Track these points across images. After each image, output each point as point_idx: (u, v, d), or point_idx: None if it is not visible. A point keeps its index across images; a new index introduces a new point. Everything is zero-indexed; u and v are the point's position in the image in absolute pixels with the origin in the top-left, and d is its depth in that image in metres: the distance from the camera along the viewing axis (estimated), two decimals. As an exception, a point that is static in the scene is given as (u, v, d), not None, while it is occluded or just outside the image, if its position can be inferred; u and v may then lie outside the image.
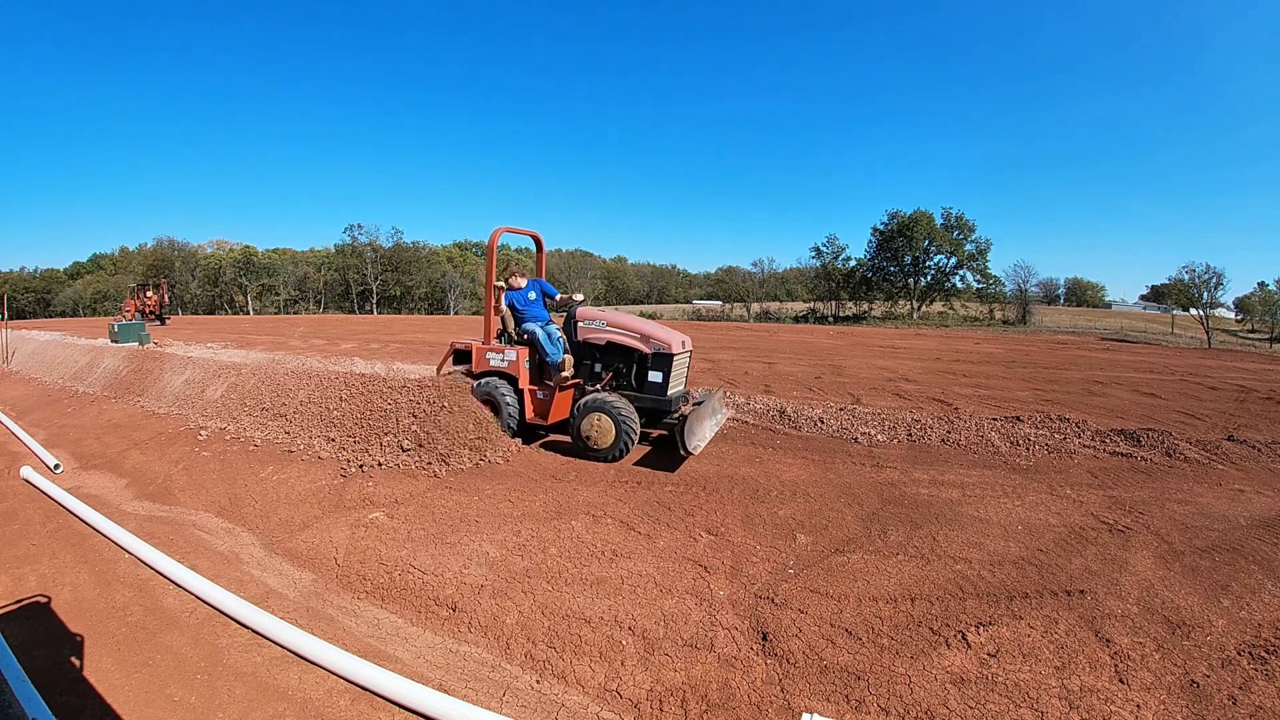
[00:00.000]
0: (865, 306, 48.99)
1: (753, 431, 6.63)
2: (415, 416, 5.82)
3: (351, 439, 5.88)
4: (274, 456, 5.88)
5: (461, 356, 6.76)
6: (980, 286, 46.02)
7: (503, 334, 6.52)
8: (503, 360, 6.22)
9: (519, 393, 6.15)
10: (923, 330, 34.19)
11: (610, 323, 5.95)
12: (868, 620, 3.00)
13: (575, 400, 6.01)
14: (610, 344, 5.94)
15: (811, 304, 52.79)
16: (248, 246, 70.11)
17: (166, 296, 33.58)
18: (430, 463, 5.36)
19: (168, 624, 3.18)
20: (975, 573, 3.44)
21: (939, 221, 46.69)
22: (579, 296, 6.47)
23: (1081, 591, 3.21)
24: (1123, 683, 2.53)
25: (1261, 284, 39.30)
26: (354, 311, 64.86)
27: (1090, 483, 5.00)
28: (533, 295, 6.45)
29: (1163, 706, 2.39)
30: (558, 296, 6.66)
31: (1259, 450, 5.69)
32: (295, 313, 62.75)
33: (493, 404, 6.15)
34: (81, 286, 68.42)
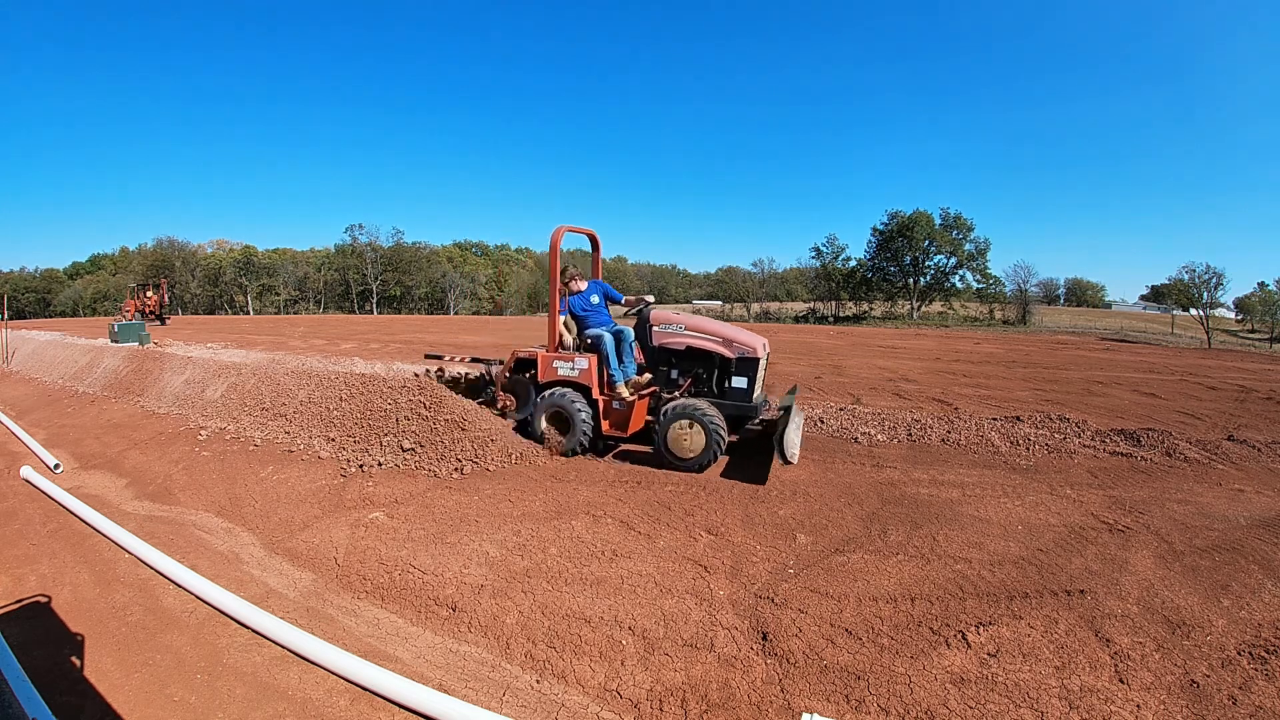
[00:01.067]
0: (865, 306, 48.94)
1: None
2: (414, 417, 5.82)
3: (351, 439, 5.88)
4: (274, 456, 5.88)
5: (523, 365, 6.20)
6: (980, 286, 45.98)
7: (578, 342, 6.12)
8: (573, 369, 5.77)
9: (594, 404, 5.72)
10: (923, 330, 34.19)
11: (689, 326, 5.64)
12: (868, 620, 3.00)
13: (651, 409, 5.78)
14: (690, 349, 5.63)
15: (811, 304, 52.74)
16: (248, 246, 70.12)
17: (166, 296, 33.55)
18: (431, 462, 5.36)
19: (168, 624, 3.18)
20: (975, 572, 3.44)
21: (938, 222, 46.69)
22: (650, 298, 6.06)
23: (1081, 591, 3.21)
24: (1123, 683, 2.53)
25: (1261, 284, 39.22)
26: (354, 311, 64.85)
27: (1090, 482, 5.00)
28: (595, 299, 6.13)
29: (1163, 706, 2.39)
30: (623, 299, 6.30)
31: (1259, 450, 5.69)
32: (295, 313, 62.76)
33: (562, 417, 5.74)
34: (81, 286, 68.36)
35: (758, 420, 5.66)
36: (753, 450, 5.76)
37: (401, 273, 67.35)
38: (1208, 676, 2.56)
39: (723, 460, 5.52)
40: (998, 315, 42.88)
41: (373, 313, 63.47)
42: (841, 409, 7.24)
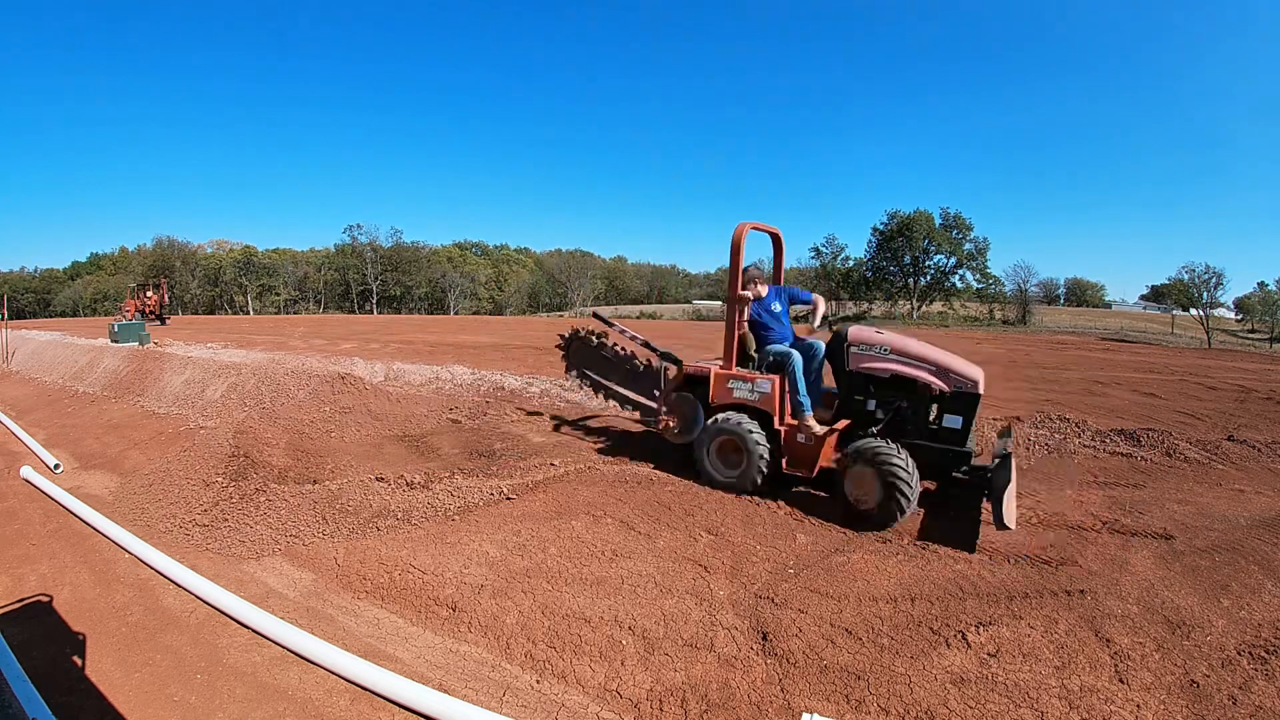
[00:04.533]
0: (865, 306, 49.00)
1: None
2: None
3: (351, 439, 5.88)
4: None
5: (692, 382, 5.26)
6: (980, 286, 46.04)
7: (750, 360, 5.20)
8: (753, 392, 4.85)
9: (775, 434, 4.75)
10: (923, 330, 34.18)
11: (896, 350, 4.53)
12: (868, 620, 3.00)
13: (839, 446, 4.62)
14: (895, 376, 4.54)
15: (811, 304, 52.80)
16: (248, 246, 70.11)
17: (167, 296, 33.53)
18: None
19: (168, 624, 3.18)
20: (975, 572, 3.44)
21: (938, 221, 46.72)
22: (822, 308, 5.13)
23: (1081, 591, 3.21)
24: (1123, 683, 2.53)
25: (1261, 284, 39.19)
26: (354, 311, 64.87)
27: (1090, 482, 5.00)
28: (777, 306, 5.21)
29: (1163, 706, 2.39)
30: (811, 298, 5.33)
31: (1259, 450, 5.69)
32: (295, 313, 62.75)
33: (735, 448, 4.78)
34: (81, 286, 68.32)
35: (965, 468, 4.48)
36: (959, 504, 4.63)
37: (401, 273, 67.40)
38: (1208, 676, 2.55)
39: (918, 514, 4.49)
40: (998, 315, 42.91)
41: (373, 313, 63.48)
42: (841, 409, 7.23)
